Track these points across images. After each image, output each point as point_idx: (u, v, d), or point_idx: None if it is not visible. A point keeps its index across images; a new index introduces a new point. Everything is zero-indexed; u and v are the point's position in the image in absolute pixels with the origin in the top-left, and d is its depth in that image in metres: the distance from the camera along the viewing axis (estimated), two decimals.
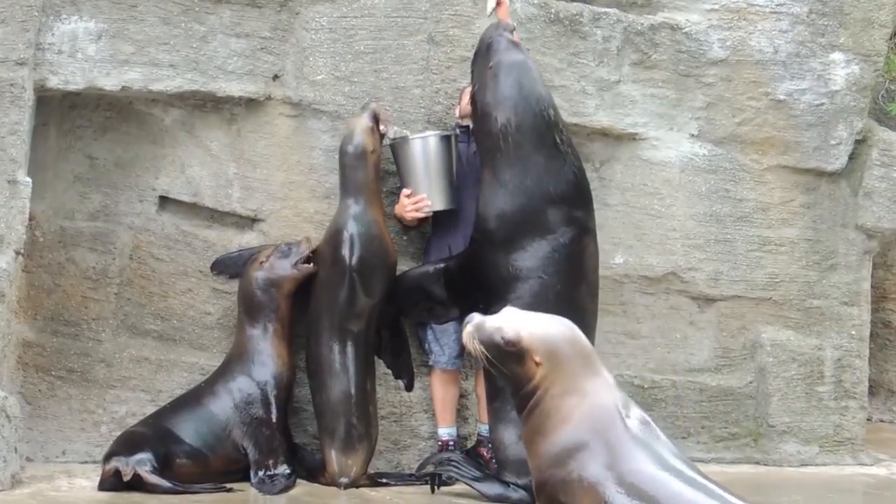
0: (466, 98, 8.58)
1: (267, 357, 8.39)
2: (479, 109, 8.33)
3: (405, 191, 8.51)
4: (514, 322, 6.04)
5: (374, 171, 8.44)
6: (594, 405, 5.92)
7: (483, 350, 6.05)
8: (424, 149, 8.47)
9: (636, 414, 5.94)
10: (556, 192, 8.16)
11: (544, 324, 6.07)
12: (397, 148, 8.55)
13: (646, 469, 5.70)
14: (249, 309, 8.45)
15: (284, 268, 8.44)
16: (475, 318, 6.14)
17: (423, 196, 8.48)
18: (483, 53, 8.36)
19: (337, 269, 8.37)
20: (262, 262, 8.44)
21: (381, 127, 8.47)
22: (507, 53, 8.29)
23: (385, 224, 8.51)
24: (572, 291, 8.18)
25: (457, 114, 8.69)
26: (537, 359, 5.97)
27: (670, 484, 5.66)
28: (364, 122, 8.44)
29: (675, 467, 5.74)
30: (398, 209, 8.60)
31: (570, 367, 5.96)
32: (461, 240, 8.51)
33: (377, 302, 8.44)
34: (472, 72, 8.45)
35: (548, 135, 8.21)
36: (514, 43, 8.35)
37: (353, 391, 8.35)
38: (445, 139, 8.50)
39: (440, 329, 8.64)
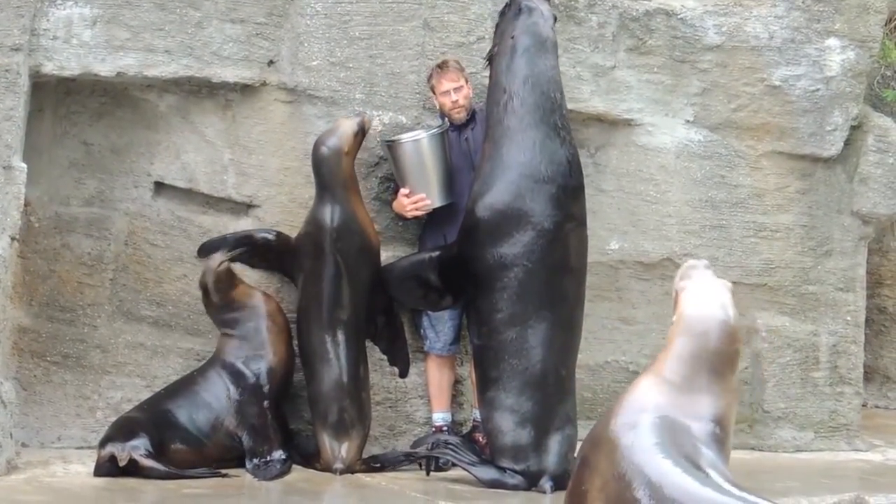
0: (444, 99, 8.55)
1: (261, 344, 8.41)
2: (492, 75, 8.39)
3: (403, 190, 8.51)
4: (693, 281, 6.08)
5: (350, 168, 8.44)
6: (660, 392, 5.89)
7: (677, 286, 6.14)
8: (417, 150, 8.47)
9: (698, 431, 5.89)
10: (547, 173, 8.16)
11: (711, 308, 5.99)
12: (390, 150, 8.54)
13: (660, 457, 5.69)
14: (230, 324, 8.50)
15: (224, 285, 8.49)
16: (703, 262, 6.27)
17: (423, 196, 8.48)
18: (512, 16, 8.38)
19: (320, 262, 8.40)
20: (207, 298, 8.51)
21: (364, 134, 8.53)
22: (534, 26, 8.29)
23: (365, 212, 8.53)
24: (557, 278, 8.18)
25: (437, 104, 8.67)
26: (674, 318, 5.98)
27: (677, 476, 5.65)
28: (348, 123, 8.45)
29: (696, 464, 5.72)
30: (398, 207, 8.60)
31: (680, 350, 5.92)
32: (456, 227, 8.51)
33: (363, 291, 8.46)
34: (497, 27, 8.50)
35: (550, 117, 8.23)
36: (545, 16, 8.34)
37: (344, 378, 8.37)
38: (437, 136, 8.50)
39: (436, 315, 8.66)
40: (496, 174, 8.19)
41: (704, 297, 6.01)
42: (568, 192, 8.24)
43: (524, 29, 8.32)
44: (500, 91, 8.29)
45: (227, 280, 8.46)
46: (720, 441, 5.90)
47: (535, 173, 8.16)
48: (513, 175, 8.16)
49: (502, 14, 8.52)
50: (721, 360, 5.90)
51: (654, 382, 5.89)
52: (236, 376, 8.36)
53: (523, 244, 8.13)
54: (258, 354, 8.41)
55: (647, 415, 5.79)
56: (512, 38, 8.32)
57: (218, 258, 8.42)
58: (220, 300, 8.45)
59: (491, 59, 8.46)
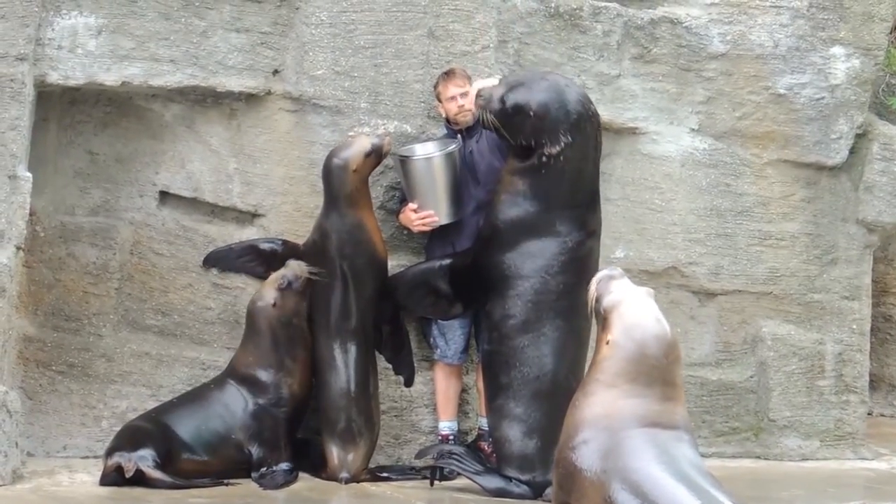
0: (450, 105, 8.53)
1: (281, 382, 8.40)
2: (532, 147, 8.17)
3: (412, 205, 8.50)
4: (622, 297, 6.09)
5: (358, 184, 8.42)
6: (622, 408, 5.91)
7: (594, 297, 6.18)
8: (429, 168, 8.44)
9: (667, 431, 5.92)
10: (577, 199, 8.22)
11: (645, 320, 6.02)
12: (402, 165, 8.52)
13: (649, 469, 5.70)
14: (271, 345, 8.43)
15: (295, 300, 8.45)
16: (617, 271, 6.28)
17: (431, 212, 8.47)
18: (509, 114, 8.16)
19: (326, 270, 8.41)
20: (274, 305, 8.42)
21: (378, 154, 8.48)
22: (534, 89, 8.19)
23: (374, 222, 8.52)
24: (574, 289, 8.19)
25: (443, 114, 8.66)
26: (609, 338, 6.00)
27: (670, 486, 5.65)
28: (364, 142, 8.44)
29: (685, 472, 5.72)
30: (404, 220, 8.60)
31: (631, 367, 5.94)
32: (464, 236, 8.53)
33: (370, 300, 8.46)
34: (504, 132, 8.24)
35: (592, 136, 8.26)
36: (511, 95, 8.23)
37: (352, 387, 8.37)
38: (450, 155, 8.47)
39: (446, 323, 8.64)
40: (534, 200, 8.16)
41: (639, 316, 6.03)
42: (591, 210, 8.33)
43: (533, 99, 8.13)
44: (550, 148, 8.11)
45: (300, 303, 8.50)
46: (695, 446, 5.96)
47: (572, 202, 8.21)
48: (547, 204, 8.16)
49: (502, 128, 8.22)
50: (670, 370, 5.95)
51: (613, 398, 5.90)
52: (257, 389, 8.34)
53: (545, 258, 8.16)
54: (283, 370, 8.40)
55: (624, 432, 5.81)
56: (532, 115, 8.09)
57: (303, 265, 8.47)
58: (295, 306, 8.44)
59: (520, 144, 8.25)
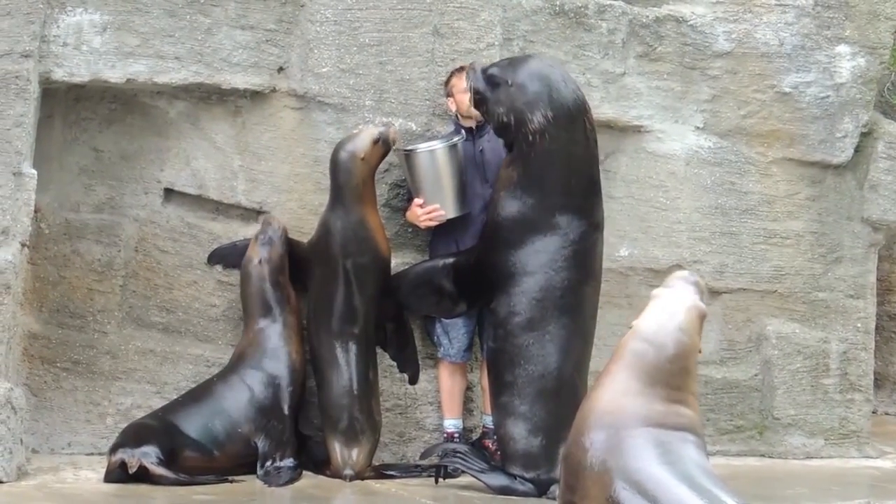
0: (463, 97, 8.51)
1: (280, 350, 8.41)
2: (512, 124, 8.17)
3: (417, 200, 8.49)
4: (666, 294, 6.25)
5: (366, 175, 8.42)
6: (628, 407, 5.92)
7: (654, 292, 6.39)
8: (433, 160, 8.44)
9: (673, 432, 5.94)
10: (574, 185, 8.18)
11: (669, 324, 6.07)
12: (406, 159, 8.52)
13: (651, 469, 5.70)
14: (262, 306, 8.45)
15: (278, 252, 8.48)
16: (695, 277, 6.49)
17: (437, 206, 8.46)
18: (491, 87, 8.20)
19: (329, 268, 8.41)
20: (259, 262, 8.44)
21: (387, 144, 8.46)
22: (517, 64, 8.23)
23: (378, 220, 8.51)
24: (579, 286, 8.19)
25: (452, 109, 8.65)
26: (633, 323, 6.08)
27: (672, 485, 5.65)
28: (371, 131, 8.43)
29: (688, 472, 5.72)
30: (411, 217, 8.59)
31: (642, 366, 5.97)
32: (468, 234, 8.53)
33: (372, 298, 8.45)
34: (488, 107, 8.25)
35: (578, 118, 8.19)
36: (493, 69, 8.27)
37: (354, 385, 8.36)
38: (453, 147, 8.48)
39: (449, 322, 8.63)
40: (530, 190, 8.13)
41: (665, 319, 6.06)
42: (590, 198, 8.28)
43: (516, 73, 8.15)
44: (528, 126, 8.06)
45: (284, 256, 8.54)
46: (702, 448, 5.96)
47: (567, 190, 8.16)
48: (543, 194, 8.13)
49: (482, 103, 8.24)
50: (681, 375, 5.97)
51: (618, 394, 5.92)
52: (260, 380, 8.34)
53: (549, 254, 8.14)
54: (280, 355, 8.41)
55: (627, 431, 5.81)
56: (511, 85, 8.10)
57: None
58: (280, 260, 8.48)
59: (502, 120, 8.22)
